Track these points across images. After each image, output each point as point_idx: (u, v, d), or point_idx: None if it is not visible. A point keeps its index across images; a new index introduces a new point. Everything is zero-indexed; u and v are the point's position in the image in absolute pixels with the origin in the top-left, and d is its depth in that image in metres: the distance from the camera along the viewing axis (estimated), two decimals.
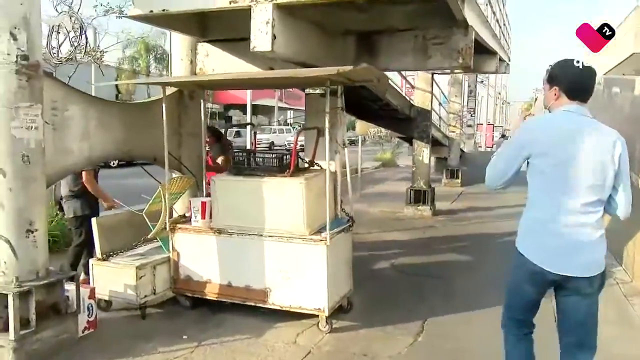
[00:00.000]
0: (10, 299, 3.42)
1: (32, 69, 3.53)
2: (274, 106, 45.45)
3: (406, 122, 10.09)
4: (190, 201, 4.68)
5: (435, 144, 12.18)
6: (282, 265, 4.24)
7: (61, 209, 5.48)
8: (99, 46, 9.06)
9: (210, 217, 4.54)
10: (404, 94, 10.55)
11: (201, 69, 5.32)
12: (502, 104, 61.96)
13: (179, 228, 4.62)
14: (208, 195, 4.73)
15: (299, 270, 4.19)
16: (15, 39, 3.43)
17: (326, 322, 4.16)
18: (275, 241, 4.24)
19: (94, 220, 4.62)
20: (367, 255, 6.69)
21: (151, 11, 4.19)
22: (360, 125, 12.24)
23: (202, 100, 5.20)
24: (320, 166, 4.66)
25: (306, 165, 4.68)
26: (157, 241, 4.87)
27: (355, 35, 4.99)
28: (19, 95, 3.48)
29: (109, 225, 4.72)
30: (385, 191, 13.36)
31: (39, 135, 3.61)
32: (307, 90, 5.01)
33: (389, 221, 9.27)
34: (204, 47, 5.31)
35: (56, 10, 5.11)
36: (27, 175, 3.56)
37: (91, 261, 4.60)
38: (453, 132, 15.20)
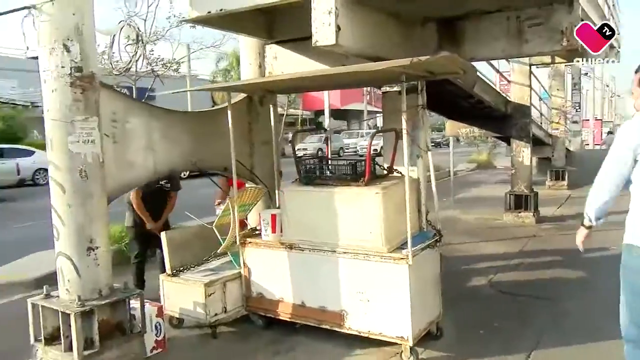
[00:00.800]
0: (72, 319, 3.27)
1: (87, 80, 3.36)
2: (362, 110, 45.28)
3: (502, 120, 9.18)
4: (260, 214, 4.35)
5: (536, 143, 11.06)
6: (359, 286, 3.76)
7: None
8: (174, 58, 9.20)
9: (281, 230, 4.19)
10: (498, 90, 9.64)
11: (270, 72, 5.00)
12: (611, 96, 56.62)
13: (249, 242, 4.31)
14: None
15: (378, 293, 3.68)
16: (68, 50, 3.27)
17: (410, 352, 3.62)
18: (350, 259, 3.77)
19: (163, 234, 4.44)
20: (461, 270, 6.01)
21: (209, 12, 3.92)
22: (450, 126, 11.35)
23: (271, 106, 4.88)
24: (401, 173, 4.14)
25: (385, 172, 4.17)
26: (229, 256, 4.60)
27: (436, 23, 4.39)
28: (74, 109, 3.31)
29: (180, 239, 4.52)
30: (481, 195, 12.40)
31: (97, 149, 3.44)
32: (383, 89, 4.50)
33: (486, 230, 8.42)
34: (272, 49, 4.99)
35: (127, 22, 5.09)
36: (86, 190, 3.39)
37: (161, 277, 4.42)
38: (556, 129, 13.81)
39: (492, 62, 9.44)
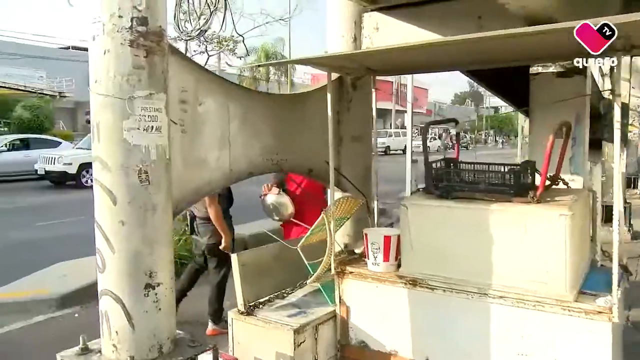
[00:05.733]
0: None
1: (154, 39, 2.28)
2: (390, 109, 44.37)
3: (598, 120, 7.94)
4: (365, 233, 3.23)
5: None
6: (525, 347, 2.62)
7: (192, 231, 4.58)
8: (233, 35, 8.17)
9: (397, 259, 3.07)
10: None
11: (368, 47, 3.88)
12: None
13: (350, 272, 3.20)
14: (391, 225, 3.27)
15: (555, 359, 2.54)
16: None
17: None
18: (510, 306, 2.64)
19: (234, 256, 3.35)
20: None
21: None
22: None
23: (372, 90, 3.76)
24: (567, 183, 3.00)
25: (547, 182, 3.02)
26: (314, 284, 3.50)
27: None
28: (135, 80, 2.24)
29: (253, 263, 3.43)
30: None
31: (163, 140, 2.36)
32: (532, 69, 3.36)
33: None
34: (373, 18, 3.87)
35: None
36: (146, 200, 2.31)
37: (230, 314, 3.33)
38: (630, 132, 12.43)
39: None
